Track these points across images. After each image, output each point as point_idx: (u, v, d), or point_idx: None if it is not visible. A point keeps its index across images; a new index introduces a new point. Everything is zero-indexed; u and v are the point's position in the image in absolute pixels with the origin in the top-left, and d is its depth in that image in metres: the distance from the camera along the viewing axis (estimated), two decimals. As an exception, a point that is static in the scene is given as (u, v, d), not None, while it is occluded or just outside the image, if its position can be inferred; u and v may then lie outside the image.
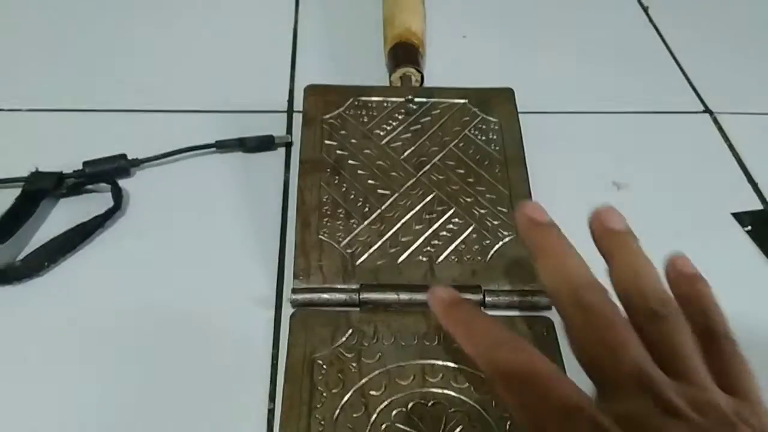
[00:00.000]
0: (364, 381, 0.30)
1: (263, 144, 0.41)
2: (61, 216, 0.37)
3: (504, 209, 0.36)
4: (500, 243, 0.35)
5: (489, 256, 0.34)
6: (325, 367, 0.30)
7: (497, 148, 0.39)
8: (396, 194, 0.37)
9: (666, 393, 0.21)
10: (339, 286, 0.33)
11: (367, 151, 0.39)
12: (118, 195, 0.37)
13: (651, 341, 0.23)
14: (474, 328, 0.25)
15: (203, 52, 0.49)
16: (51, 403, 0.30)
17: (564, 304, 0.24)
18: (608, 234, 0.26)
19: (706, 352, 0.24)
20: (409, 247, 0.35)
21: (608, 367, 0.23)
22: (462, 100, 0.41)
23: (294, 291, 0.33)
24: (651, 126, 0.45)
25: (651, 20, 0.55)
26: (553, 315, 0.33)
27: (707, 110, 0.47)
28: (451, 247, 0.35)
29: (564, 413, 0.21)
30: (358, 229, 0.35)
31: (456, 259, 0.34)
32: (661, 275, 0.26)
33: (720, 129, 0.45)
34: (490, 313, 0.33)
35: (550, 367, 0.23)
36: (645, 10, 0.56)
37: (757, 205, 0.40)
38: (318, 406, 0.29)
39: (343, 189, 0.37)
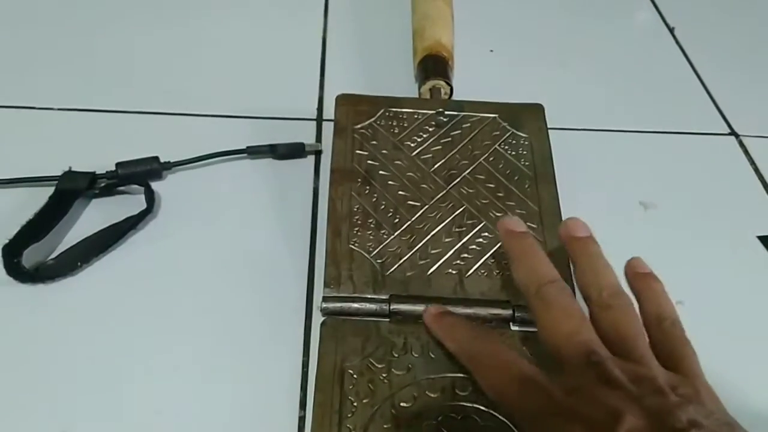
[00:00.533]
0: (394, 392, 0.30)
1: (294, 151, 0.41)
2: (94, 216, 0.38)
3: (534, 225, 0.36)
4: (529, 259, 0.35)
5: (518, 271, 0.35)
6: (355, 376, 0.30)
7: (527, 163, 0.39)
8: (426, 206, 0.37)
9: (608, 366, 0.25)
10: (369, 296, 0.33)
11: (398, 162, 0.39)
12: (150, 197, 0.38)
13: (603, 328, 0.28)
14: (455, 330, 0.31)
15: (235, 60, 0.49)
16: (79, 403, 0.30)
17: (530, 298, 0.29)
18: (573, 240, 0.32)
19: (655, 338, 0.28)
20: (438, 260, 0.35)
21: (563, 349, 0.27)
22: (492, 115, 0.42)
23: (325, 299, 0.33)
24: (677, 146, 0.46)
25: (677, 41, 0.55)
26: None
27: (733, 133, 0.47)
28: (481, 261, 0.35)
29: (520, 382, 0.27)
30: (389, 240, 0.35)
31: (485, 273, 0.35)
32: (618, 275, 0.30)
33: (746, 152, 0.46)
34: (519, 329, 0.33)
35: (512, 352, 0.29)
36: (671, 31, 0.56)
37: (783, 229, 0.41)
38: (349, 415, 0.29)
39: (374, 199, 0.37)
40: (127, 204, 0.38)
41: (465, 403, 0.30)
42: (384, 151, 0.39)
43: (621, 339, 0.27)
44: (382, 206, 0.37)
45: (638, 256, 0.31)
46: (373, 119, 0.41)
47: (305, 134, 0.43)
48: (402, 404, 0.29)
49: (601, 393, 0.25)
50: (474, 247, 0.36)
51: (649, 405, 0.24)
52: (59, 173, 0.38)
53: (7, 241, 0.34)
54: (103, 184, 0.39)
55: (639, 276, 0.31)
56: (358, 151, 0.39)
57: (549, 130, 0.41)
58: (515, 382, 0.27)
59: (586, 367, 0.26)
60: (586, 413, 0.24)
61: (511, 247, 0.32)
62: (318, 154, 0.42)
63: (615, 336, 0.28)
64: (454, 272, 0.35)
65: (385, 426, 0.29)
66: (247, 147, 0.41)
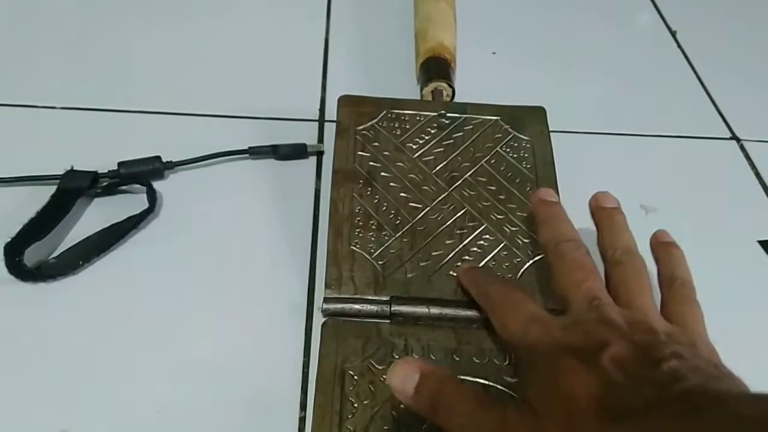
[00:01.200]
0: (394, 394, 0.30)
1: (296, 152, 0.41)
2: (95, 215, 0.38)
3: (535, 228, 0.36)
4: (531, 261, 0.35)
5: (519, 273, 0.35)
6: (356, 378, 0.30)
7: (529, 166, 0.39)
8: (427, 208, 0.37)
9: (608, 310, 0.27)
10: (370, 298, 0.33)
11: (400, 163, 0.39)
12: (152, 197, 0.38)
13: (612, 282, 0.30)
14: (479, 279, 0.33)
15: (238, 60, 0.49)
16: (79, 402, 0.30)
17: (549, 253, 0.32)
18: (600, 210, 0.34)
19: (666, 297, 0.30)
20: (440, 262, 0.35)
21: (570, 294, 0.29)
22: (494, 117, 0.42)
23: (326, 300, 0.33)
24: (678, 151, 0.46)
25: (679, 45, 0.55)
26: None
27: (734, 137, 0.47)
28: (482, 263, 0.35)
29: (525, 319, 0.28)
30: (390, 242, 0.35)
31: (486, 276, 0.35)
32: (635, 239, 0.32)
33: (747, 156, 0.46)
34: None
35: (523, 294, 0.31)
36: (673, 35, 0.56)
37: (784, 234, 0.41)
38: (349, 416, 0.29)
39: (376, 201, 0.37)
40: (128, 203, 0.38)
41: (465, 406, 0.30)
42: (386, 153, 0.39)
43: (626, 291, 0.29)
44: (384, 208, 0.37)
45: (664, 229, 0.34)
46: (375, 121, 0.41)
47: (307, 135, 0.43)
48: (403, 406, 0.29)
49: (595, 329, 0.26)
50: (475, 249, 0.36)
51: (636, 340, 0.25)
52: (61, 172, 0.38)
53: (8, 239, 0.34)
54: (105, 184, 0.39)
55: (661, 244, 0.33)
56: (360, 153, 0.39)
57: (551, 133, 0.41)
58: (521, 319, 0.29)
59: (588, 311, 0.28)
60: (576, 343, 0.26)
61: (539, 212, 0.34)
62: (320, 155, 0.42)
63: (622, 289, 0.30)
64: (455, 274, 0.35)
65: (385, 428, 0.29)
66: (249, 147, 0.41)
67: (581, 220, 0.37)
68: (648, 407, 0.22)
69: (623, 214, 0.34)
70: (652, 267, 0.32)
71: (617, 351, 0.24)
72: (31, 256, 0.34)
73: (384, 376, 0.30)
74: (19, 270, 0.34)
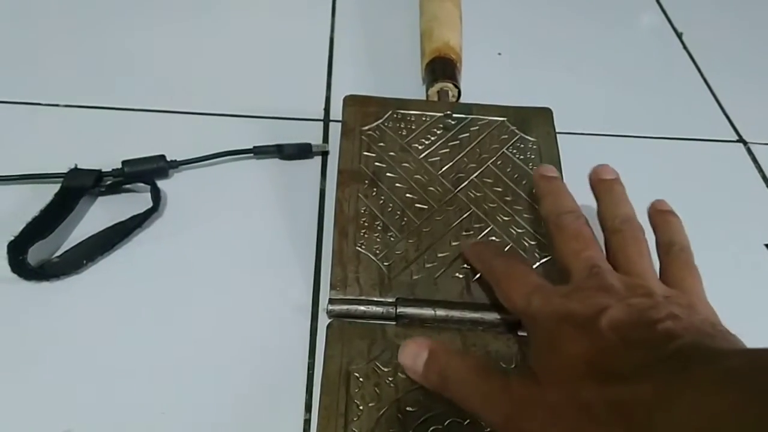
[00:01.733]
0: (400, 396, 0.30)
1: (301, 151, 0.41)
2: (99, 214, 0.37)
3: (542, 230, 0.36)
4: (537, 264, 0.35)
5: (526, 276, 0.34)
6: (361, 380, 0.30)
7: (535, 167, 0.39)
8: (434, 209, 0.37)
9: (607, 276, 0.28)
10: (376, 299, 0.33)
11: (405, 164, 0.39)
12: (156, 196, 0.37)
13: (611, 250, 0.31)
14: (483, 253, 0.34)
15: (243, 59, 0.49)
16: (83, 402, 0.30)
17: (550, 225, 0.33)
18: (600, 182, 0.35)
19: (664, 262, 0.31)
20: (446, 263, 0.35)
21: (571, 263, 0.30)
22: (501, 118, 0.41)
23: (331, 301, 0.33)
24: (685, 153, 0.46)
25: (685, 47, 0.55)
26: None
27: (741, 140, 0.47)
28: (488, 266, 0.35)
29: (528, 289, 0.29)
30: (396, 243, 0.35)
31: (493, 278, 0.34)
32: (635, 209, 0.33)
33: (754, 159, 0.46)
34: (526, 334, 0.33)
35: (526, 265, 0.32)
36: (679, 36, 0.56)
37: (790, 238, 0.41)
38: (354, 419, 0.29)
39: (381, 201, 0.37)
40: (133, 202, 0.38)
41: (471, 409, 0.29)
42: (391, 153, 0.39)
43: (625, 258, 0.30)
44: (389, 208, 0.37)
45: (662, 198, 0.34)
46: (380, 121, 0.41)
47: (312, 135, 0.43)
48: (408, 408, 0.29)
49: (593, 295, 0.27)
50: (481, 251, 0.35)
51: (633, 303, 0.26)
52: (65, 171, 0.38)
53: (12, 238, 0.34)
54: (109, 182, 0.38)
55: (658, 212, 0.34)
56: (365, 153, 0.39)
57: (557, 135, 0.41)
58: (524, 290, 0.29)
59: (587, 278, 0.28)
60: (575, 310, 0.26)
61: (540, 187, 0.35)
62: (325, 155, 0.42)
63: (621, 256, 0.30)
64: (461, 276, 0.34)
65: (390, 430, 0.29)
66: (254, 147, 0.41)
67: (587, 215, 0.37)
68: (643, 367, 0.23)
69: (622, 185, 0.34)
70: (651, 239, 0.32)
71: (614, 314, 0.25)
72: (35, 254, 0.34)
73: (390, 378, 0.30)
74: (23, 269, 0.33)
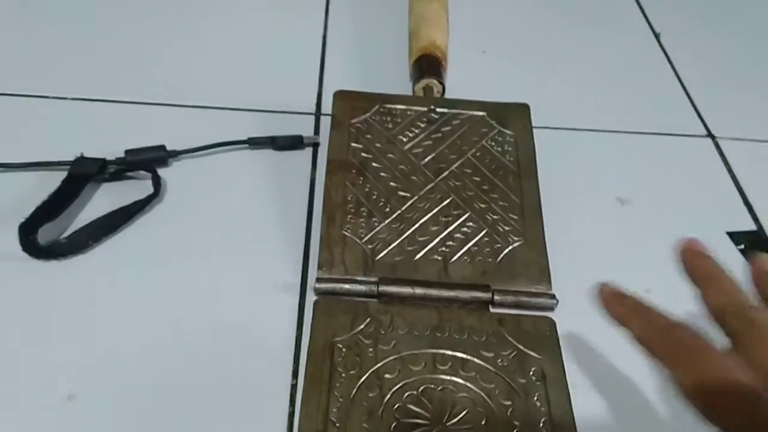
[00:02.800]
0: (379, 365, 0.32)
1: (293, 143, 0.44)
2: (103, 200, 0.40)
3: (515, 216, 0.39)
4: (510, 247, 0.38)
5: (499, 258, 0.37)
6: (344, 350, 0.33)
7: (512, 159, 0.42)
8: (415, 197, 0.39)
9: None
10: (359, 278, 0.36)
11: (391, 155, 0.41)
12: (157, 183, 0.40)
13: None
14: (641, 314, 0.27)
15: (240, 55, 0.52)
16: (85, 376, 0.32)
17: (732, 320, 0.26)
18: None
19: None
20: (425, 246, 0.37)
21: None
22: (481, 113, 0.44)
23: (318, 280, 0.36)
24: (656, 147, 0.48)
25: (662, 47, 0.58)
26: (555, 315, 0.35)
27: (710, 135, 0.50)
28: (465, 249, 0.37)
29: (732, 389, 0.23)
30: (379, 227, 0.38)
31: (468, 260, 0.37)
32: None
33: (721, 153, 0.48)
34: (498, 311, 0.36)
35: (717, 351, 0.25)
36: (657, 36, 0.59)
37: (751, 226, 0.43)
38: (337, 385, 0.31)
39: (367, 189, 0.39)
40: (135, 189, 0.40)
41: (444, 376, 0.32)
42: (378, 145, 0.42)
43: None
44: (374, 196, 0.39)
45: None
46: (368, 114, 0.43)
47: (304, 127, 0.46)
48: (386, 375, 0.32)
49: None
50: (459, 235, 0.38)
51: None
52: (72, 159, 0.41)
53: (23, 219, 0.37)
54: (112, 170, 0.41)
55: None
56: (353, 144, 0.42)
57: (534, 129, 0.44)
58: (725, 387, 0.23)
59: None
60: None
61: (694, 267, 0.30)
62: (315, 146, 0.45)
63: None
64: (439, 258, 0.37)
65: (370, 395, 0.31)
66: (249, 138, 0.44)
67: (559, 212, 0.40)
68: None
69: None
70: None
71: None
72: (44, 235, 0.37)
73: (371, 349, 0.33)
74: (33, 248, 0.36)
